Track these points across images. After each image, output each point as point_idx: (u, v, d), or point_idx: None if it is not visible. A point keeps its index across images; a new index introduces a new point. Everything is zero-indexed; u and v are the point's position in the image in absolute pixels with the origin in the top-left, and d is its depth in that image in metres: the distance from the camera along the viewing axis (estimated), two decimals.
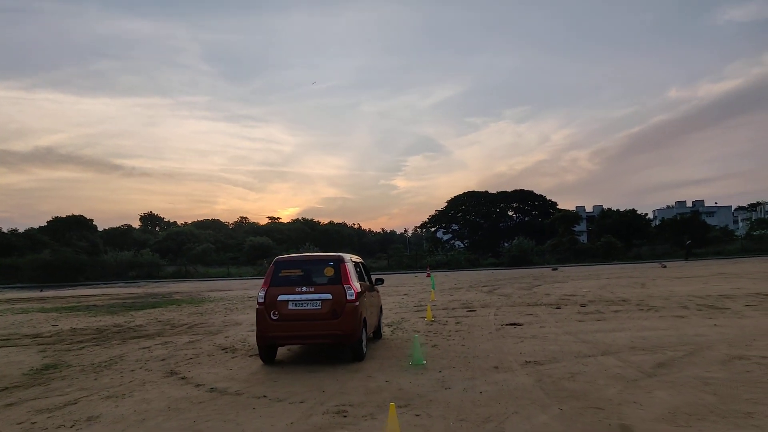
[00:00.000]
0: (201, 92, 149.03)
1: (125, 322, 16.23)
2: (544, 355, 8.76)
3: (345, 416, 5.77)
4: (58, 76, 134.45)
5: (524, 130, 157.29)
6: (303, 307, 8.66)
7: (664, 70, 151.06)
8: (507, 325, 12.53)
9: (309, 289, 8.74)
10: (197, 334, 13.09)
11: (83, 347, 11.61)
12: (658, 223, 77.32)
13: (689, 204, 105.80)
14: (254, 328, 13.77)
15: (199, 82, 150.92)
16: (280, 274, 9.01)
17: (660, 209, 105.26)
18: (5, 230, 67.30)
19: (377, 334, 11.20)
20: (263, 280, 9.09)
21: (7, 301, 28.17)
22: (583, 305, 15.84)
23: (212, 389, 7.29)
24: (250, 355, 9.84)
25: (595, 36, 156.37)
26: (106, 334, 13.68)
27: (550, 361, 8.20)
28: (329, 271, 8.96)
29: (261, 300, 8.83)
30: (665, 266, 37.50)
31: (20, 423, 6.11)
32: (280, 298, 8.70)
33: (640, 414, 5.40)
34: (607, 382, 6.72)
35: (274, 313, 8.67)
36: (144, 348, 11.19)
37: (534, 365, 7.98)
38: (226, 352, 10.29)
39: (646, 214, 71.24)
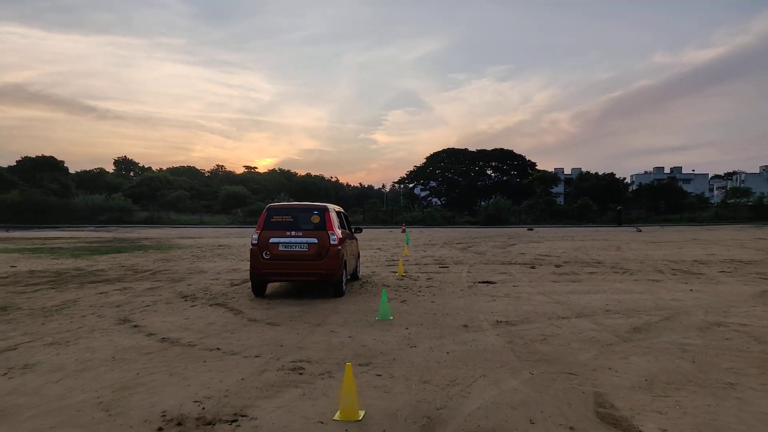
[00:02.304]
0: (177, 34, 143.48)
1: (87, 266, 15.59)
2: (517, 315, 8.47)
3: (300, 373, 5.37)
4: (25, 10, 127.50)
5: (506, 89, 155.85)
6: (292, 249, 9.85)
7: (650, 35, 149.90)
8: (479, 282, 12.26)
9: (297, 233, 9.91)
10: (159, 280, 12.56)
11: (38, 290, 11.02)
12: (635, 188, 78.04)
13: (667, 170, 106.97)
14: (218, 276, 13.43)
15: (176, 23, 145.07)
16: (272, 220, 10.09)
17: (638, 174, 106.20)
18: None
19: (354, 276, 12.56)
20: (257, 225, 10.18)
21: None
22: (557, 266, 15.68)
23: (164, 339, 6.83)
24: (210, 305, 9.38)
25: None
26: (65, 277, 13.07)
27: (523, 322, 7.91)
28: (315, 219, 10.09)
29: (254, 241, 9.95)
30: (640, 230, 37.85)
31: None
32: (272, 240, 9.86)
33: (615, 381, 5.10)
34: (581, 346, 6.43)
35: (266, 253, 9.84)
36: (101, 293, 10.64)
37: (505, 325, 7.67)
38: (186, 300, 9.81)
39: (624, 179, 71.78)
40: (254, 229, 10.26)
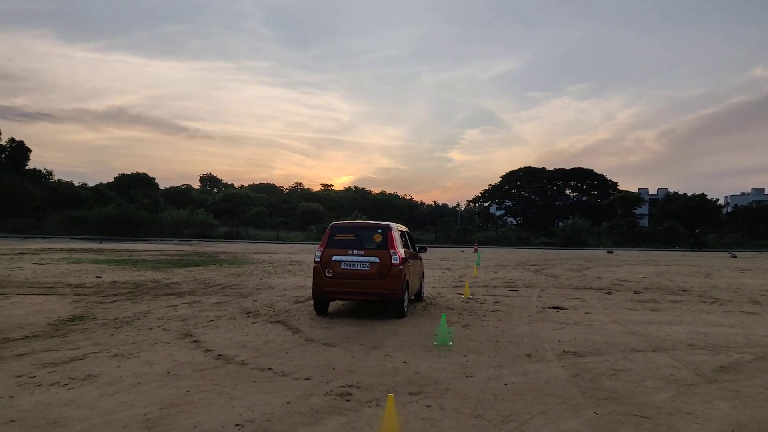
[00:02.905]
0: (262, 57, 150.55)
1: (164, 278, 16.32)
2: (586, 345, 7.88)
3: (348, 400, 5.18)
4: (130, 40, 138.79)
5: (587, 107, 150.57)
6: (354, 267, 9.84)
7: (747, 48, 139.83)
8: (549, 308, 11.62)
9: (360, 252, 9.89)
10: (227, 295, 12.87)
11: (115, 301, 11.59)
12: (730, 210, 72.58)
13: (767, 192, 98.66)
14: (284, 293, 13.59)
15: (261, 47, 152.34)
16: (335, 238, 10.14)
17: (734, 195, 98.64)
18: (76, 184, 70.55)
19: (418, 296, 12.45)
20: (320, 242, 10.25)
21: (69, 250, 29.36)
22: (636, 292, 14.64)
23: (220, 356, 6.88)
24: (270, 322, 9.44)
25: (669, 10, 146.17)
26: (142, 289, 13.71)
27: (592, 353, 7.33)
28: (378, 237, 10.04)
29: (318, 259, 10.02)
30: (735, 256, 34.94)
31: (19, 376, 5.88)
32: (334, 258, 9.90)
33: (694, 428, 4.53)
34: (657, 385, 5.82)
35: (328, 271, 9.90)
36: (171, 306, 11.03)
37: (572, 356, 7.14)
38: (249, 317, 9.94)
39: (717, 200, 66.91)
40: (318, 246, 10.35)
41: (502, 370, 6.36)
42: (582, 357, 7.11)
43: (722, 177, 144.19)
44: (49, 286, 13.73)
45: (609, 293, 14.40)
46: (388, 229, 10.23)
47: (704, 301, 12.96)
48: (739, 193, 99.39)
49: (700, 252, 41.77)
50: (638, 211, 66.99)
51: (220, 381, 5.76)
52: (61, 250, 29.34)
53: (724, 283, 17.37)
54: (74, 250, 29.44)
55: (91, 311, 10.19)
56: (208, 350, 7.20)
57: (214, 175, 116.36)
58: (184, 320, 9.45)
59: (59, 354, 6.88)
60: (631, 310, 11.46)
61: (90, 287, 13.71)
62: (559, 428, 4.50)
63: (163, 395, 5.22)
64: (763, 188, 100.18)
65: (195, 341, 7.77)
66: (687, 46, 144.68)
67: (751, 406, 5.19)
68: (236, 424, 4.49)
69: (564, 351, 7.44)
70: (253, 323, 9.32)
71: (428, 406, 5.02)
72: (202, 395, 5.25)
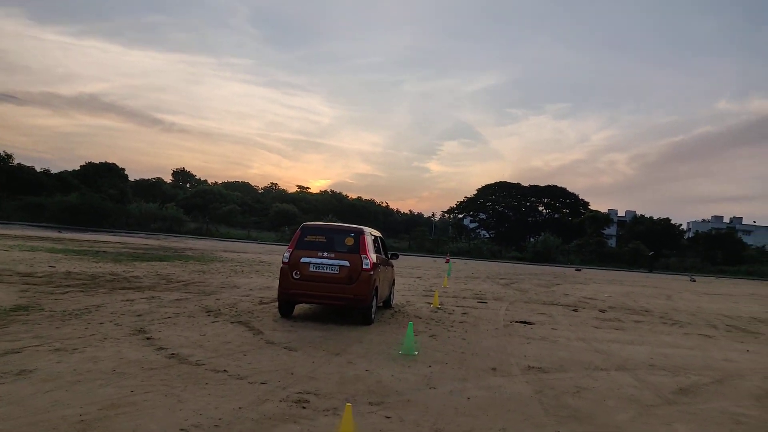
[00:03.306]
0: (246, 55, 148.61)
1: (124, 271, 15.76)
2: (551, 361, 7.78)
3: (304, 407, 4.94)
4: (109, 26, 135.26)
5: (564, 127, 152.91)
6: (322, 270, 9.51)
7: (717, 81, 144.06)
8: (517, 322, 11.55)
9: (330, 254, 9.57)
10: (189, 292, 12.45)
11: (67, 292, 11.07)
12: (691, 235, 74.52)
13: (726, 220, 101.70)
14: (250, 293, 13.23)
15: (245, 44, 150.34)
16: (305, 239, 9.81)
17: (695, 222, 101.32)
18: (38, 170, 68.33)
19: (387, 303, 12.16)
20: (290, 243, 9.93)
21: (24, 237, 28.25)
22: (602, 310, 14.73)
23: (173, 355, 6.55)
24: (231, 322, 9.10)
25: (649, 39, 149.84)
26: (99, 281, 13.17)
27: (556, 370, 7.23)
28: (349, 241, 9.75)
29: (286, 260, 9.68)
30: (694, 280, 35.76)
31: None
32: (303, 260, 9.56)
33: None
34: (619, 405, 5.73)
35: (296, 273, 9.54)
36: (127, 300, 10.58)
37: (537, 372, 7.02)
38: (209, 315, 9.59)
39: (680, 225, 68.69)
40: (287, 246, 10.03)
41: (465, 383, 6.20)
42: (546, 373, 7.00)
43: (686, 203, 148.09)
44: None
45: (575, 310, 14.44)
46: (361, 232, 9.96)
47: (665, 323, 13.08)
48: (700, 220, 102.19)
49: (651, 274, 42.80)
50: (606, 231, 68.22)
51: (170, 382, 5.45)
52: (15, 236, 28.22)
53: (683, 306, 17.64)
54: (30, 238, 28.36)
55: (38, 302, 9.68)
56: (160, 348, 6.86)
57: (188, 170, 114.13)
58: (139, 316, 9.04)
59: None
60: (596, 328, 11.47)
61: (41, 276, 13.11)
62: None
63: (104, 395, 4.89)
64: (722, 216, 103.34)
65: (148, 338, 7.40)
66: (660, 75, 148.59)
67: (708, 430, 5.12)
68: (181, 429, 4.21)
69: (529, 366, 7.32)
70: (213, 322, 8.97)
71: (387, 418, 4.80)
72: (147, 396, 4.93)
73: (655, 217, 64.57)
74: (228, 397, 5.08)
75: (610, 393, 6.17)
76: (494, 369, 7.03)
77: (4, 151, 63.76)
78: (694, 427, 5.15)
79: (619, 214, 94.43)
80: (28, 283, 11.86)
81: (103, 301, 10.22)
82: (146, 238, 41.31)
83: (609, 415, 5.31)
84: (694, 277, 39.03)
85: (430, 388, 5.88)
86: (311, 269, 9.51)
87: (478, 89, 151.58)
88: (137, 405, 4.68)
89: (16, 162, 65.03)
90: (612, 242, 73.97)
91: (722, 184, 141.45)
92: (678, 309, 16.44)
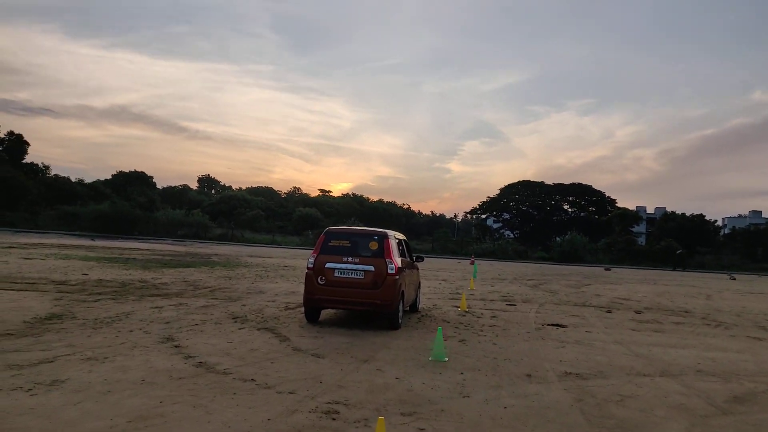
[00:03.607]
0: (266, 61, 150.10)
1: (152, 278, 15.87)
2: (589, 366, 7.48)
3: (334, 418, 4.76)
4: (135, 38, 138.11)
5: (587, 123, 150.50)
6: (347, 276, 9.41)
7: (748, 72, 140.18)
8: (548, 325, 11.22)
9: (354, 259, 9.46)
10: (216, 298, 12.43)
11: (99, 300, 11.14)
12: (727, 231, 72.42)
13: (765, 214, 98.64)
14: (275, 298, 13.16)
15: (265, 51, 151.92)
16: (329, 244, 9.72)
17: (731, 217, 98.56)
18: (73, 180, 69.93)
19: (414, 307, 11.99)
20: (314, 248, 9.84)
21: (59, 246, 28.84)
22: (638, 311, 14.26)
23: (200, 364, 6.46)
24: (258, 329, 9.01)
25: (674, 31, 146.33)
26: (128, 288, 13.26)
27: (595, 376, 6.93)
28: (374, 245, 9.62)
29: (310, 265, 9.62)
30: (734, 278, 34.64)
31: None
32: (328, 265, 9.47)
33: None
34: (668, 414, 5.41)
35: (321, 278, 9.46)
36: (156, 307, 10.58)
37: (575, 378, 6.73)
38: (236, 322, 9.51)
39: (715, 221, 66.78)
40: (311, 252, 9.93)
41: (500, 391, 5.95)
42: (585, 380, 6.70)
43: (719, 198, 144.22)
44: (32, 281, 13.26)
45: (609, 311, 14.00)
46: (385, 236, 9.83)
47: (708, 324, 12.58)
48: (736, 215, 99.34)
49: (680, 272, 41.66)
50: (636, 229, 66.77)
51: (198, 392, 5.33)
52: (52, 245, 28.83)
53: (726, 306, 17.00)
54: (65, 246, 28.93)
55: (71, 310, 9.74)
56: (188, 357, 6.77)
57: (213, 177, 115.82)
58: (167, 323, 9.01)
59: (28, 355, 6.44)
60: (633, 330, 11.07)
61: (74, 285, 13.25)
62: None
63: (134, 406, 4.79)
64: (761, 211, 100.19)
65: (176, 346, 7.33)
66: (689, 66, 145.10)
67: None
68: None
69: (566, 372, 7.03)
70: (240, 329, 8.89)
71: (421, 430, 4.60)
72: (175, 407, 4.82)
73: (687, 214, 62.90)
74: (256, 408, 4.94)
75: (657, 401, 5.85)
76: (529, 375, 6.76)
77: (42, 163, 65.60)
78: None
79: (648, 212, 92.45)
80: (62, 291, 11.99)
81: (132, 309, 10.24)
82: (173, 244, 41.85)
83: (659, 427, 5.01)
84: (733, 275, 37.82)
85: (463, 397, 5.66)
86: (336, 275, 9.44)
87: (498, 87, 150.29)
88: (166, 417, 4.56)
89: (52, 173, 66.90)
90: (641, 240, 72.38)
91: (758, 177, 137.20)
92: (720, 309, 15.84)
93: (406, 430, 4.56)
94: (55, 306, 10.04)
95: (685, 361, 8.17)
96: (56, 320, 8.70)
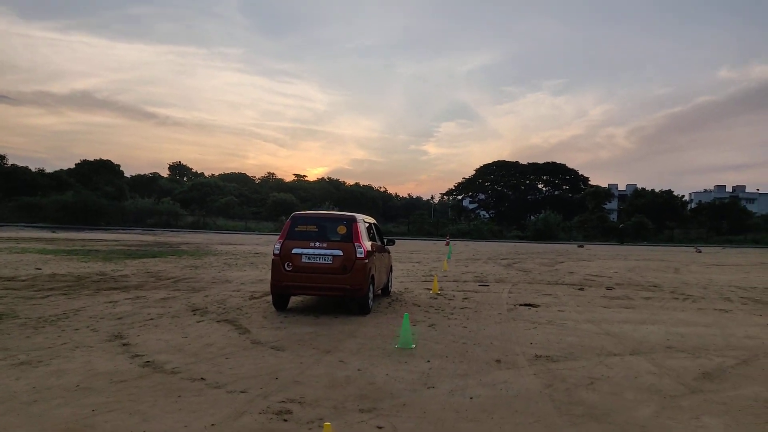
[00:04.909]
0: (236, 44, 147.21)
1: (112, 270, 15.21)
2: (560, 348, 7.24)
3: (286, 419, 4.38)
4: (94, 20, 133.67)
5: (561, 103, 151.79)
6: (315, 261, 9.19)
7: (714, 50, 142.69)
8: (521, 305, 11.01)
9: (322, 244, 9.24)
10: (178, 290, 11.91)
11: (48, 296, 10.52)
12: (694, 206, 73.94)
13: (729, 189, 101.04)
14: (241, 287, 12.68)
15: (234, 33, 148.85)
16: (296, 229, 9.47)
17: (697, 192, 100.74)
18: (33, 170, 67.50)
19: (385, 291, 11.88)
20: (280, 234, 9.58)
21: (16, 239, 27.73)
22: (609, 288, 14.20)
23: (147, 363, 6.00)
24: (218, 321, 8.56)
25: (645, 9, 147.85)
26: (84, 282, 12.62)
27: (566, 358, 6.69)
28: (342, 230, 9.42)
29: (277, 251, 9.33)
30: (700, 251, 35.26)
31: None
32: (295, 251, 9.22)
33: None
34: (638, 397, 5.18)
35: (288, 265, 9.20)
36: (111, 302, 10.03)
37: (545, 362, 6.48)
38: (195, 314, 9.04)
39: (683, 196, 68.10)
40: (277, 238, 9.58)
41: (467, 380, 5.65)
42: (556, 362, 6.45)
43: (687, 174, 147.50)
44: None
45: (581, 289, 13.90)
46: (353, 220, 9.60)
47: (677, 298, 12.55)
48: (702, 190, 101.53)
49: (622, 246, 42.85)
50: (608, 206, 67.64)
51: (139, 396, 4.89)
52: (8, 239, 27.69)
53: (693, 279, 17.12)
54: (23, 239, 27.83)
55: (14, 308, 9.13)
56: (135, 356, 6.31)
57: (184, 164, 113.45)
58: (119, 319, 8.49)
59: None
60: (604, 307, 10.93)
61: (24, 280, 12.55)
62: None
63: (60, 417, 4.33)
64: (725, 186, 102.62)
65: (124, 344, 6.85)
66: (656, 45, 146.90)
67: (743, 422, 4.58)
68: None
69: (536, 355, 6.77)
70: (198, 322, 8.42)
71: (379, 428, 4.25)
72: (108, 417, 4.38)
73: (656, 190, 63.88)
74: (201, 411, 4.53)
75: (628, 383, 5.62)
76: (498, 361, 6.48)
77: None
78: (727, 420, 4.60)
79: (619, 189, 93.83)
80: (8, 288, 11.31)
81: (84, 305, 9.67)
82: (142, 234, 40.77)
83: (629, 411, 4.75)
84: (699, 248, 38.52)
85: (428, 388, 5.34)
86: (303, 260, 9.19)
87: (473, 68, 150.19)
88: (95, 429, 4.12)
89: (9, 163, 64.38)
90: (613, 217, 73.38)
91: (724, 153, 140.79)
92: (688, 282, 15.91)
93: (363, 430, 4.20)
94: None
95: (655, 337, 8.00)
96: None
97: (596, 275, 17.69)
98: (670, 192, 63.29)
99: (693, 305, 11.47)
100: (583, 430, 4.28)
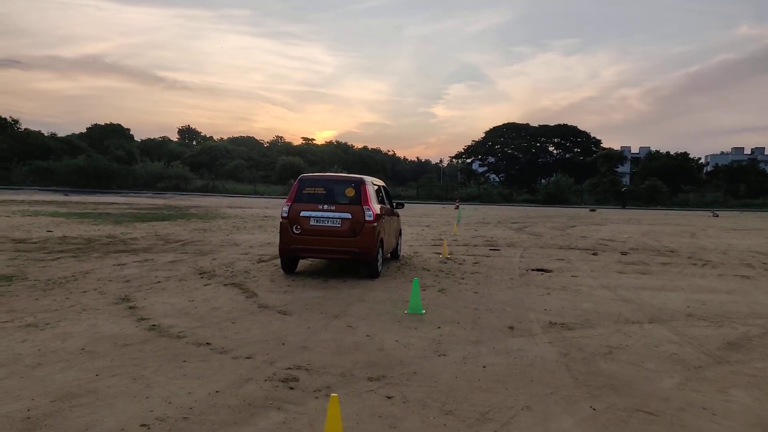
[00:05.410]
0: (243, 5, 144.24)
1: (122, 233, 15.15)
2: (575, 314, 7.05)
3: (292, 387, 4.24)
4: None
5: (573, 64, 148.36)
6: (323, 224, 9.07)
7: (736, 5, 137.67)
8: (533, 270, 10.80)
9: (330, 207, 9.10)
10: (186, 252, 11.81)
11: (58, 258, 10.46)
12: (710, 169, 72.62)
13: (747, 151, 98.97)
14: (249, 250, 12.56)
15: None
16: (303, 191, 9.33)
17: (714, 155, 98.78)
18: (46, 134, 67.41)
19: (394, 255, 11.74)
20: (287, 196, 9.41)
21: (30, 202, 27.81)
22: (623, 253, 13.93)
23: (153, 327, 5.88)
24: (224, 284, 8.44)
25: None
26: (94, 245, 12.55)
27: (582, 325, 6.50)
28: (350, 192, 9.26)
29: (285, 214, 9.23)
30: (717, 215, 34.68)
31: None
32: (303, 213, 9.10)
33: (713, 429, 3.68)
34: (660, 367, 4.98)
35: (296, 227, 9.09)
36: (119, 264, 9.94)
37: (560, 329, 6.29)
38: (202, 278, 8.93)
39: (699, 159, 66.76)
40: (285, 200, 9.37)
41: (480, 347, 5.48)
42: (571, 330, 6.26)
43: (703, 136, 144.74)
44: None
45: (595, 254, 13.65)
46: (362, 182, 9.38)
47: (695, 264, 12.27)
48: (719, 153, 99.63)
49: (623, 210, 42.31)
50: (620, 169, 66.64)
51: (143, 360, 4.78)
52: (22, 202, 27.78)
53: (711, 244, 16.77)
54: (36, 202, 27.90)
55: (24, 270, 9.06)
56: (141, 319, 6.20)
57: (193, 128, 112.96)
58: (127, 282, 8.40)
59: None
60: (619, 273, 10.70)
61: (35, 243, 12.51)
62: (549, 431, 3.62)
63: (63, 381, 4.22)
64: (743, 148, 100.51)
65: (131, 307, 6.75)
66: (674, 1, 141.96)
67: None
68: (142, 425, 3.53)
69: (551, 322, 6.58)
70: (205, 285, 8.31)
71: (389, 398, 4.10)
72: (112, 381, 4.26)
73: (671, 153, 62.67)
74: (205, 377, 4.40)
75: (648, 353, 5.42)
76: (512, 328, 6.30)
77: (10, 117, 62.89)
78: (756, 393, 4.39)
79: (632, 151, 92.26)
80: (19, 250, 11.26)
81: (92, 267, 9.59)
82: (152, 197, 40.83)
83: (651, 382, 4.56)
84: (716, 212, 37.90)
85: (439, 356, 5.17)
86: (312, 223, 9.07)
87: (482, 29, 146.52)
88: (98, 393, 4.00)
89: (23, 127, 64.31)
90: (626, 180, 72.42)
91: (742, 114, 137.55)
92: (706, 247, 15.58)
93: (371, 400, 4.05)
94: (8, 267, 9.34)
95: (675, 304, 7.78)
96: (4, 282, 8.03)
97: (609, 240, 17.40)
98: (685, 154, 62.01)
99: (713, 271, 11.20)
100: (602, 403, 4.10)
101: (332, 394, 3.11)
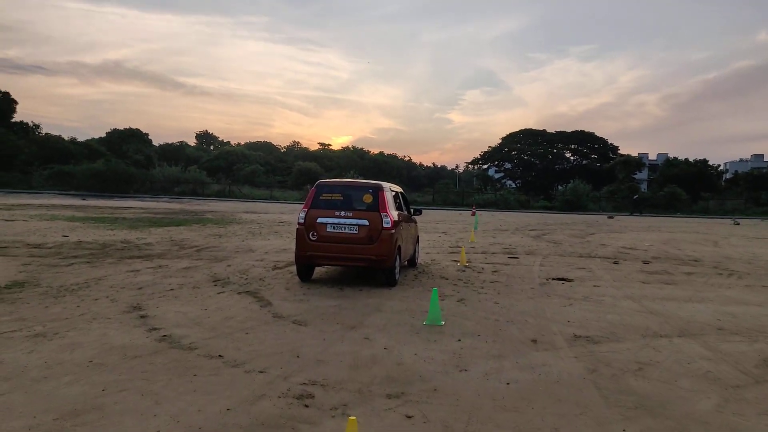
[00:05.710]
0: (261, 12, 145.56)
1: (137, 238, 15.12)
2: (600, 327, 6.76)
3: (306, 405, 4.04)
4: None
5: (590, 70, 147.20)
6: (340, 231, 8.92)
7: (755, 11, 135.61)
8: (554, 279, 10.51)
9: (347, 213, 8.95)
10: (201, 259, 11.70)
11: (72, 264, 10.41)
12: (730, 176, 71.30)
13: (767, 158, 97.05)
14: (264, 257, 12.43)
15: (259, 2, 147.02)
16: (320, 197, 9.22)
17: (733, 162, 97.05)
18: (66, 138, 68.40)
19: (412, 262, 11.54)
20: (305, 202, 9.28)
21: (48, 206, 28.07)
22: (645, 262, 13.55)
23: (164, 337, 5.73)
24: (239, 292, 8.28)
25: None
26: (108, 250, 12.52)
27: (608, 339, 6.21)
28: (368, 198, 9.12)
29: (301, 221, 9.09)
30: (738, 223, 33.91)
31: None
32: (320, 220, 8.96)
33: None
34: (695, 386, 4.70)
35: (312, 234, 8.96)
36: (132, 271, 9.85)
37: (585, 342, 6.02)
38: (216, 285, 8.78)
39: (718, 166, 65.59)
40: (302, 206, 9.26)
41: (503, 362, 5.23)
42: (597, 344, 5.98)
43: (722, 143, 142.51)
44: (4, 245, 12.51)
45: (616, 263, 13.29)
46: (380, 189, 9.22)
47: (720, 274, 11.87)
48: (737, 160, 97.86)
49: (640, 216, 41.44)
50: (638, 176, 65.72)
51: (153, 374, 4.61)
52: (41, 206, 28.05)
53: (735, 253, 16.29)
54: (54, 207, 28.14)
55: (36, 276, 9.00)
56: (152, 329, 6.05)
57: (211, 133, 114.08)
58: (140, 289, 8.28)
59: None
60: (643, 283, 10.36)
61: (50, 248, 12.50)
62: None
63: (69, 396, 4.07)
64: (763, 155, 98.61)
65: (142, 316, 6.61)
66: (692, 7, 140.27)
67: None
68: None
69: (575, 335, 6.31)
70: (219, 293, 8.16)
71: (408, 417, 3.88)
72: (119, 397, 4.10)
73: (690, 159, 61.65)
74: (217, 393, 4.22)
75: (681, 369, 5.13)
76: (534, 341, 6.04)
77: (32, 122, 64.08)
78: None
79: (650, 158, 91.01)
80: (34, 256, 11.25)
81: (106, 273, 9.51)
82: (169, 202, 41.05)
83: (687, 403, 4.28)
84: (737, 219, 37.08)
85: (460, 371, 4.94)
86: (328, 230, 8.92)
87: (499, 34, 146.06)
88: (104, 410, 3.84)
89: (44, 132, 65.38)
90: (643, 187, 71.35)
91: (762, 120, 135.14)
92: (730, 257, 15.12)
93: (390, 419, 3.84)
94: (21, 272, 9.30)
95: (704, 317, 7.45)
96: (16, 289, 7.96)
97: (630, 248, 16.99)
98: (704, 161, 60.97)
99: (740, 282, 10.80)
100: (637, 425, 3.83)
101: (350, 417, 2.91)
